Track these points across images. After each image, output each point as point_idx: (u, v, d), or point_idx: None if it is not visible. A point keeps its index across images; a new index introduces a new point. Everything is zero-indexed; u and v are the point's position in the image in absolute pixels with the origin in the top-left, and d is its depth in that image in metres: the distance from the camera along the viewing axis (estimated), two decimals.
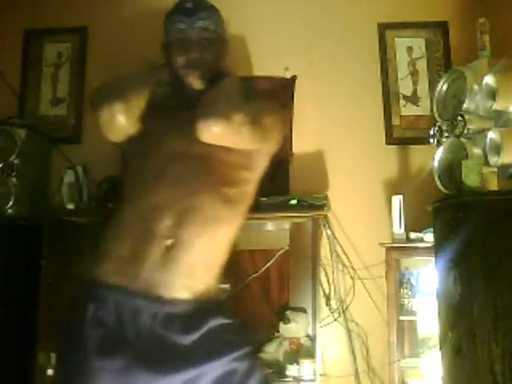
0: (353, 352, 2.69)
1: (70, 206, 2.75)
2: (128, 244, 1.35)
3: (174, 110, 1.51)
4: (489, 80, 2.02)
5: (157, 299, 1.31)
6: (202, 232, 1.36)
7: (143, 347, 1.28)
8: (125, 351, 1.27)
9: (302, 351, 2.55)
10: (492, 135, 2.00)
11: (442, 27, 2.96)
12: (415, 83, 2.95)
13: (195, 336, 1.31)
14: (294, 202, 2.57)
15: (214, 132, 1.32)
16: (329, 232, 2.74)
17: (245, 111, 1.37)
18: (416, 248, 2.54)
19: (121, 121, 1.36)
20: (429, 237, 2.42)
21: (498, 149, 1.98)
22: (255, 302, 2.71)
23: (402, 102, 2.94)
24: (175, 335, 1.30)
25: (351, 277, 2.76)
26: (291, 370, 2.46)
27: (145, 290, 1.31)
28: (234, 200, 1.44)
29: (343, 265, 2.77)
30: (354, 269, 2.76)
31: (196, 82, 1.47)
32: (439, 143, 2.22)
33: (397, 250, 2.56)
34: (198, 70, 1.46)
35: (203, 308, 1.36)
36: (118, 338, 1.28)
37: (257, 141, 1.44)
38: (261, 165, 1.53)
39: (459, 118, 2.08)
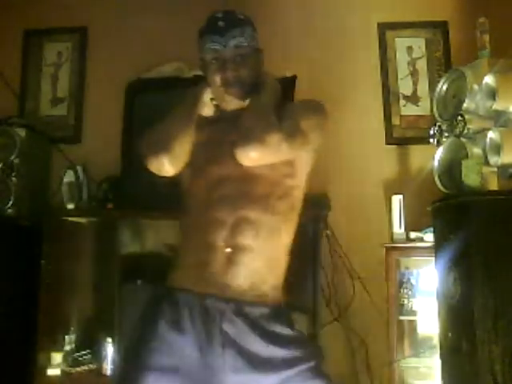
0: (353, 352, 2.69)
1: (70, 206, 2.75)
2: (194, 254, 1.45)
3: (218, 131, 1.55)
4: (489, 80, 2.02)
5: (223, 298, 1.39)
6: (255, 240, 1.43)
7: (210, 346, 1.35)
8: (195, 349, 1.35)
9: None
10: (492, 135, 2.00)
11: (442, 27, 2.96)
12: (415, 83, 2.95)
13: (260, 339, 1.37)
14: None
15: (252, 158, 1.40)
16: (329, 232, 2.74)
17: (280, 129, 1.42)
18: (416, 248, 2.54)
19: (169, 170, 1.47)
20: (429, 237, 2.42)
21: (497, 149, 1.98)
22: None
23: (402, 101, 2.94)
24: (241, 335, 1.37)
25: (351, 277, 2.76)
26: None
27: (212, 292, 1.39)
28: (283, 211, 1.49)
29: (343, 265, 2.77)
30: (353, 269, 2.76)
31: (234, 99, 1.53)
32: (439, 143, 2.22)
33: (397, 250, 2.56)
34: (235, 88, 1.52)
35: (269, 311, 1.42)
36: (189, 336, 1.36)
37: (298, 149, 1.50)
38: (305, 167, 1.58)
39: (459, 117, 2.08)
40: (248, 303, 1.40)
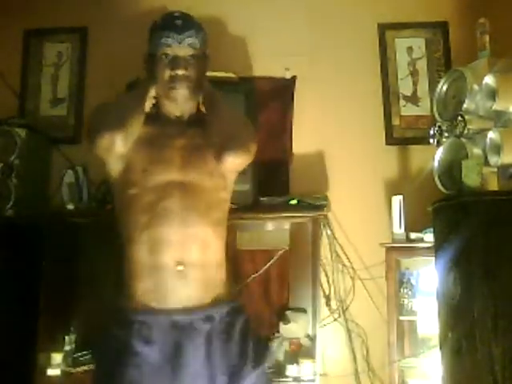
0: (353, 352, 2.70)
1: (70, 206, 2.75)
2: (146, 277, 1.46)
3: (160, 134, 1.57)
4: (489, 80, 2.02)
5: (185, 311, 1.43)
6: (203, 254, 1.48)
7: (182, 358, 1.39)
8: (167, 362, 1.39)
9: (301, 351, 2.55)
10: (492, 135, 2.00)
11: (442, 27, 2.96)
12: (415, 83, 2.95)
13: (224, 342, 1.44)
14: (294, 202, 2.57)
15: (236, 163, 1.50)
16: (329, 232, 2.74)
17: (254, 139, 1.52)
18: (416, 248, 2.54)
19: (120, 149, 1.46)
20: (429, 237, 2.41)
21: (497, 149, 1.98)
22: (255, 302, 2.71)
23: (401, 101, 2.93)
24: (208, 345, 1.42)
25: (351, 277, 2.76)
26: (291, 370, 2.46)
27: (173, 308, 1.43)
28: (220, 222, 1.55)
29: (343, 265, 2.77)
30: (353, 269, 2.76)
31: (178, 98, 1.56)
32: (439, 143, 2.22)
33: (397, 250, 2.57)
34: (182, 87, 1.54)
35: (227, 309, 1.49)
36: (159, 353, 1.39)
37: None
38: (232, 182, 1.62)
39: (459, 118, 2.08)
40: (209, 308, 1.45)
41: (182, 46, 1.53)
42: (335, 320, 2.71)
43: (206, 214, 1.49)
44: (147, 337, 1.40)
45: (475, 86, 2.07)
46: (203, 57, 1.60)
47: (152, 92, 1.58)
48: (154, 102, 1.60)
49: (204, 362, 1.40)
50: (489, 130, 2.02)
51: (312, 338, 2.54)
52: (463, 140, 2.09)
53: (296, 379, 2.45)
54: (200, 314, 1.43)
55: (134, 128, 1.49)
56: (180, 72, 1.53)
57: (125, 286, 1.49)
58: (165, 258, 1.44)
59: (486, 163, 2.02)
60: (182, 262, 1.43)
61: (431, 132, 2.24)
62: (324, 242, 2.72)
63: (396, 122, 2.92)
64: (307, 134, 2.88)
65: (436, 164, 2.23)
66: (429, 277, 2.52)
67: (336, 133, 2.88)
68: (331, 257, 2.75)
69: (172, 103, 1.58)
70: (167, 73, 1.54)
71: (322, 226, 2.65)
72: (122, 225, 1.52)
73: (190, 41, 1.54)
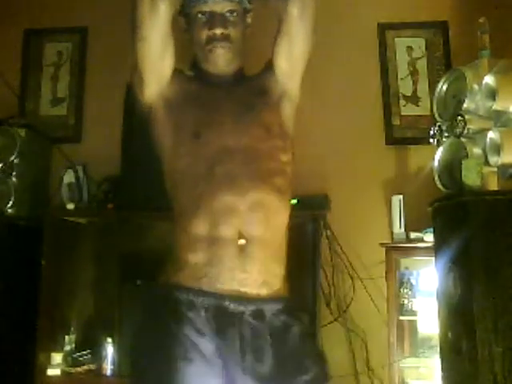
0: (352, 352, 2.69)
1: (70, 206, 2.75)
2: (203, 251, 1.30)
3: (207, 100, 1.42)
4: (489, 80, 2.02)
5: (241, 298, 1.27)
6: (267, 226, 1.32)
7: (229, 350, 1.25)
8: (217, 352, 1.24)
9: None
10: (492, 135, 2.00)
11: (442, 27, 2.96)
12: (415, 83, 2.95)
13: (275, 344, 1.28)
14: (294, 201, 2.56)
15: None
16: (329, 232, 2.74)
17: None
18: (416, 248, 2.55)
19: (161, 9, 1.30)
20: (429, 237, 2.42)
21: (498, 149, 1.98)
22: None
23: (401, 101, 2.94)
24: (258, 340, 1.27)
25: (351, 277, 2.76)
26: None
27: (229, 291, 1.27)
28: (283, 189, 1.38)
29: (343, 265, 2.77)
30: (353, 269, 2.76)
31: (219, 61, 1.41)
32: (439, 143, 2.22)
33: (397, 250, 2.57)
34: (222, 47, 1.40)
35: (281, 306, 1.33)
36: (208, 340, 1.24)
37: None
38: (290, 136, 1.49)
39: (459, 117, 2.08)
40: (264, 301, 1.29)
41: (218, 1, 1.37)
42: (335, 320, 2.71)
43: (269, 180, 1.32)
44: (193, 321, 1.25)
45: (475, 86, 2.07)
46: (244, 12, 1.47)
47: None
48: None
49: (253, 361, 1.24)
50: (489, 129, 2.02)
51: (312, 339, 2.53)
52: (463, 140, 2.08)
53: None
54: (251, 305, 1.28)
55: None
56: (218, 31, 1.37)
57: (175, 261, 1.34)
58: (225, 229, 1.28)
59: (486, 163, 2.02)
60: (244, 235, 1.27)
61: (431, 132, 2.24)
62: (324, 241, 2.72)
63: (396, 121, 2.92)
64: (307, 134, 2.87)
65: (436, 164, 2.23)
66: (429, 277, 2.52)
67: (336, 132, 2.88)
68: (331, 257, 2.75)
69: (212, 66, 1.42)
70: (204, 33, 1.38)
71: (322, 226, 2.65)
72: (174, 198, 1.39)
73: None
